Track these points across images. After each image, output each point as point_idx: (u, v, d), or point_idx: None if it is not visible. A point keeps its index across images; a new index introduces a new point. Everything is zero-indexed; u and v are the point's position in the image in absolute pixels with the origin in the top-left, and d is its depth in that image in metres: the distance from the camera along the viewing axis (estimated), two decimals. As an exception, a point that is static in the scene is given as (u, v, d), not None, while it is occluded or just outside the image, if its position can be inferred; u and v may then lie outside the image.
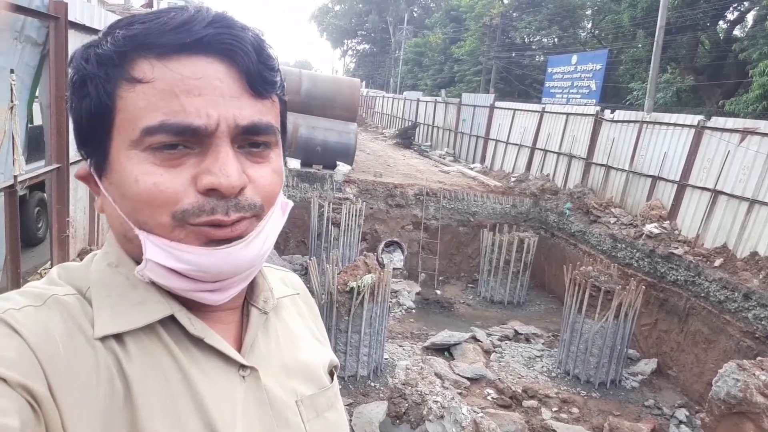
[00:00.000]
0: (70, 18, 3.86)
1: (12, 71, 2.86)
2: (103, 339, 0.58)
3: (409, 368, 5.47)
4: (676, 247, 8.34)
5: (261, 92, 0.61)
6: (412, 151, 19.58)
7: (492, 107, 16.29)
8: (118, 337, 0.59)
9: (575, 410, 6.56)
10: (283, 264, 9.36)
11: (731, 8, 17.56)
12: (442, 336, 7.92)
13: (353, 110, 12.89)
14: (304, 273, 9.50)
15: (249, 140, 0.61)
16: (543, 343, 8.47)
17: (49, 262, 4.39)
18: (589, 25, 26.74)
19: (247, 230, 0.61)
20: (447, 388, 5.12)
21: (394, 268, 9.81)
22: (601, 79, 16.66)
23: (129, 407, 0.56)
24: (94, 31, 4.42)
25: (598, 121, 11.52)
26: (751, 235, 7.54)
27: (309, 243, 10.06)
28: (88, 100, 0.58)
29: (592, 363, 7.16)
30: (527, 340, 8.54)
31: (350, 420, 5.36)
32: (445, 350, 7.80)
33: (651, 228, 8.90)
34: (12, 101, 2.90)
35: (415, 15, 46.14)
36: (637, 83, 18.93)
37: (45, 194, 6.02)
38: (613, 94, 20.79)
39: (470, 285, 11.17)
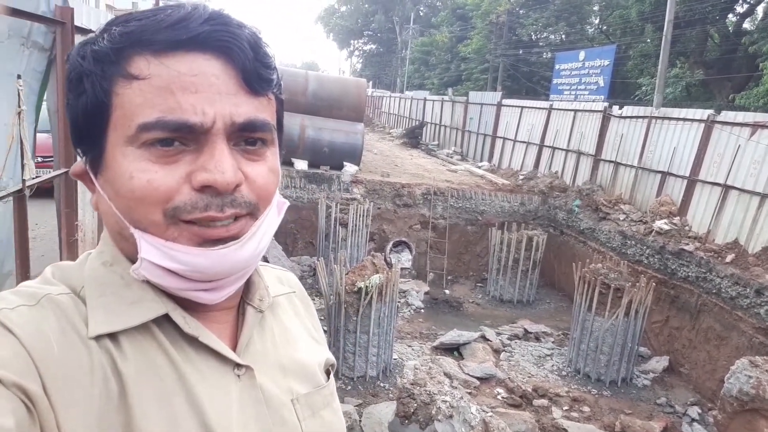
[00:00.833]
0: (77, 23, 3.89)
1: (19, 76, 2.89)
2: (98, 338, 0.58)
3: (417, 368, 5.46)
4: (687, 243, 8.26)
5: (257, 89, 0.61)
6: (420, 150, 19.54)
7: (499, 105, 16.23)
8: (113, 336, 0.59)
9: (586, 409, 6.52)
10: (291, 265, 9.39)
11: (740, 1, 17.39)
12: (451, 335, 7.90)
13: (360, 111, 12.89)
14: (312, 274, 9.53)
15: (245, 137, 0.61)
16: (553, 342, 8.42)
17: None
18: (597, 21, 26.60)
19: (243, 230, 0.61)
20: (456, 388, 5.10)
21: (402, 268, 9.81)
22: (609, 75, 16.55)
23: (124, 406, 0.56)
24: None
25: (606, 117, 11.43)
26: (763, 230, 7.45)
27: (317, 244, 10.07)
28: (85, 97, 0.59)
29: (603, 361, 7.11)
30: (537, 339, 8.49)
31: (360, 421, 5.36)
32: (454, 350, 7.78)
33: (661, 224, 8.82)
34: (20, 106, 2.93)
35: (422, 14, 46.10)
36: (645, 78, 18.78)
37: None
38: (622, 89, 20.65)
39: (479, 284, 11.13)
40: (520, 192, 12.12)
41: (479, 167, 15.43)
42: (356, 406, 5.79)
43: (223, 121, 0.58)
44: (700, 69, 18.03)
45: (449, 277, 11.07)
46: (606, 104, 11.97)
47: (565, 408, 6.48)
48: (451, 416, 4.46)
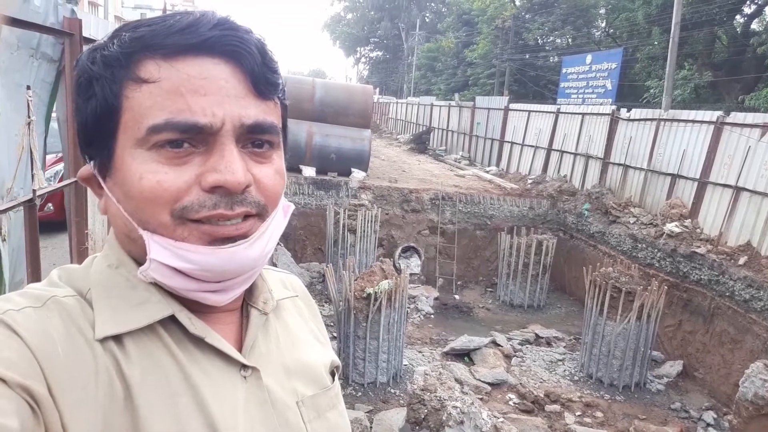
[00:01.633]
0: (85, 34, 3.93)
1: (28, 87, 2.92)
2: (103, 341, 0.58)
3: (428, 374, 5.43)
4: (699, 246, 8.17)
5: (265, 93, 0.62)
6: (427, 155, 19.54)
7: (507, 109, 16.22)
8: (118, 338, 0.59)
9: (599, 414, 6.45)
10: (300, 272, 9.40)
11: (748, 2, 17.29)
12: (462, 341, 7.85)
13: (367, 117, 12.93)
14: (321, 280, 9.53)
15: (252, 139, 0.62)
16: (564, 347, 8.35)
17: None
18: (603, 24, 26.55)
19: (252, 230, 0.62)
20: (466, 394, 5.07)
21: (411, 274, 9.78)
22: (616, 78, 16.46)
23: (129, 408, 0.56)
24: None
25: (614, 120, 11.39)
26: (776, 232, 7.36)
27: (325, 250, 10.08)
28: (94, 100, 0.59)
29: (615, 366, 7.03)
30: (548, 344, 8.43)
31: (370, 427, 5.33)
32: (464, 355, 7.74)
33: (672, 227, 8.74)
34: (29, 117, 2.96)
35: (427, 20, 46.29)
36: (653, 81, 18.69)
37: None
38: (630, 92, 20.57)
39: (489, 289, 11.08)
40: (528, 196, 12.07)
41: (487, 172, 15.41)
42: (367, 412, 5.76)
43: (232, 122, 0.59)
44: (708, 71, 17.94)
45: (459, 282, 11.03)
46: (614, 107, 11.93)
47: (578, 413, 6.41)
48: (462, 422, 4.43)
